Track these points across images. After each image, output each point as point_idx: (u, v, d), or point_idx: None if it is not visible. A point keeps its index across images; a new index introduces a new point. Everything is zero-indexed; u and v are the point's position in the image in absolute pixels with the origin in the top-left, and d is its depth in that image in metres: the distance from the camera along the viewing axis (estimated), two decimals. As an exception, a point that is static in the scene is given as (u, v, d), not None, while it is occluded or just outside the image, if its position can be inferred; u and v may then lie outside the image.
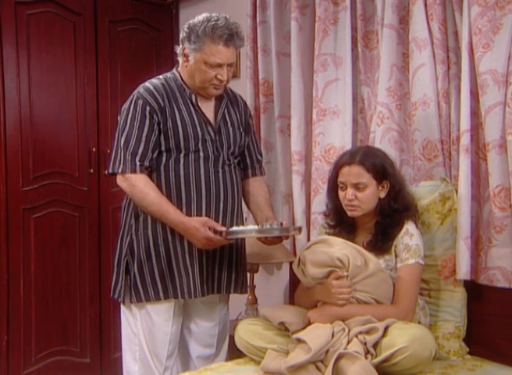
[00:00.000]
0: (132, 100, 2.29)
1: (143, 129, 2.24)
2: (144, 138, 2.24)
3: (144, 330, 2.33)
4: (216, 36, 2.18)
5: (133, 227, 2.32)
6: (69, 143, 3.33)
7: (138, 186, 2.23)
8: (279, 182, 3.07)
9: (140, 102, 2.26)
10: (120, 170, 2.25)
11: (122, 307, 2.40)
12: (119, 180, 2.28)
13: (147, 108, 2.25)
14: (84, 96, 3.38)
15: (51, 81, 3.27)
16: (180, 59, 2.34)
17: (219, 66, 2.23)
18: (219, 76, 2.24)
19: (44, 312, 3.24)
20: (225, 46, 2.20)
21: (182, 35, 2.28)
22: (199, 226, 2.18)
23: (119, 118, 2.32)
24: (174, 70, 2.40)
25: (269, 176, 3.12)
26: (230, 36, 2.20)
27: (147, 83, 2.32)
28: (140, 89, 2.30)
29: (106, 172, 2.26)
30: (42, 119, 3.24)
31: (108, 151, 3.40)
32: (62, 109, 3.31)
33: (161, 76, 2.37)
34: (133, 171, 2.23)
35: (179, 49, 2.32)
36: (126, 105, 2.31)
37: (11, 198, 3.12)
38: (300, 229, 2.30)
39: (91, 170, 3.38)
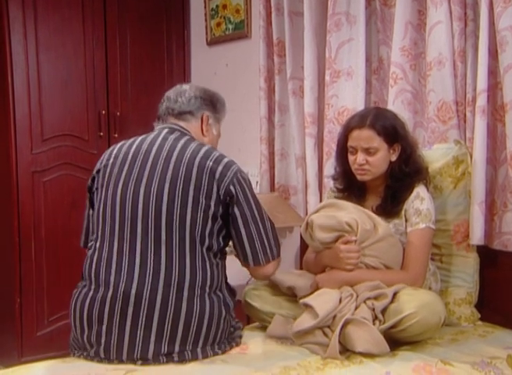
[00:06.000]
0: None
1: None
2: None
3: None
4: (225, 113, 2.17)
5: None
6: (79, 106, 3.30)
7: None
8: (292, 144, 3.01)
9: None
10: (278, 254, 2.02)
11: None
12: (274, 265, 2.00)
13: None
14: (93, 58, 3.34)
15: (58, 43, 3.23)
16: (200, 127, 2.06)
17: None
18: None
19: (55, 274, 3.25)
20: None
21: (201, 101, 2.05)
22: None
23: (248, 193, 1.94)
24: (199, 144, 1.98)
25: (283, 139, 3.08)
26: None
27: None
28: (242, 169, 1.97)
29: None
30: (50, 82, 3.22)
31: (118, 113, 3.39)
32: (70, 71, 3.28)
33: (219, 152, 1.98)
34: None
35: (195, 115, 2.05)
36: (248, 182, 1.97)
37: (21, 162, 3.12)
38: None
39: (101, 133, 3.35)
